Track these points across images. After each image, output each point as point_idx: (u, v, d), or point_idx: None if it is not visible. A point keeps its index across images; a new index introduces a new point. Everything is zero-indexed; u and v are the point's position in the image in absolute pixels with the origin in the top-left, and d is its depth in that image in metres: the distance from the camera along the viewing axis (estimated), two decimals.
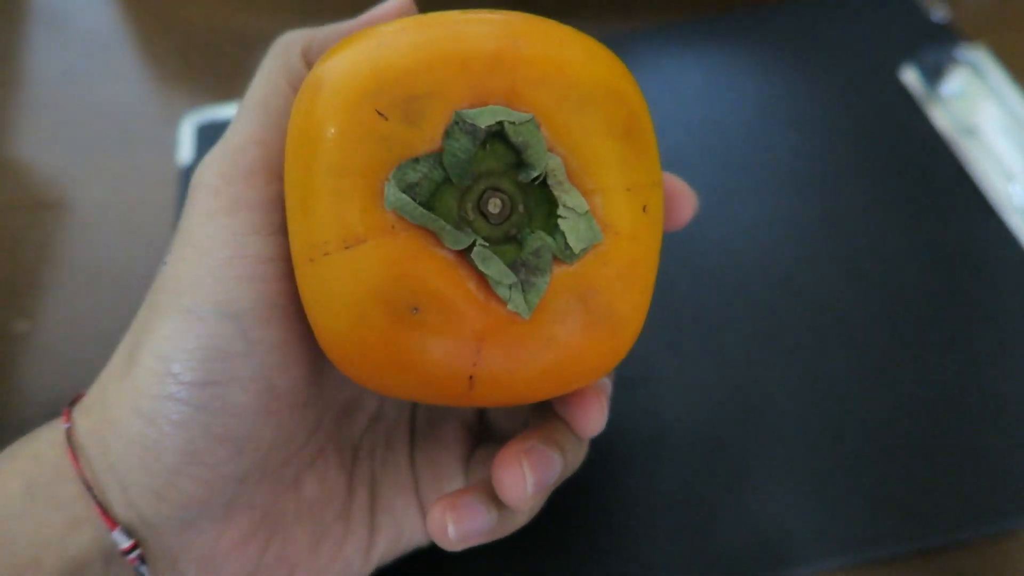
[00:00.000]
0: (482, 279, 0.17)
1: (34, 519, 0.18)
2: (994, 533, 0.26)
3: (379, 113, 0.16)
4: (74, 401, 0.20)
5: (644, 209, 0.18)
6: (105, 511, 0.18)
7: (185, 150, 0.39)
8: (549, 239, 0.17)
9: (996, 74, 0.38)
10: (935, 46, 0.40)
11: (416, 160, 0.16)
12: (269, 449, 0.20)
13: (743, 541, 0.26)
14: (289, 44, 0.20)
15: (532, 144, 0.17)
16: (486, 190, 0.17)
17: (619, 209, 0.17)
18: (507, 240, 0.17)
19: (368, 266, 0.16)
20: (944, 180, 0.35)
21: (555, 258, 0.17)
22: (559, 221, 0.17)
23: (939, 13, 0.41)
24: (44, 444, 0.19)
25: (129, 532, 0.19)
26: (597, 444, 0.28)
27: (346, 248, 0.16)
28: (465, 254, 0.17)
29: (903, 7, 0.42)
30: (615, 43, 0.42)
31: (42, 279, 0.35)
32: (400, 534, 0.23)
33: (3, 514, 0.18)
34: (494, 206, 0.17)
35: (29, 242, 0.37)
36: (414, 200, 0.16)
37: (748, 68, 0.40)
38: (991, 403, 0.29)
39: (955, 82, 0.38)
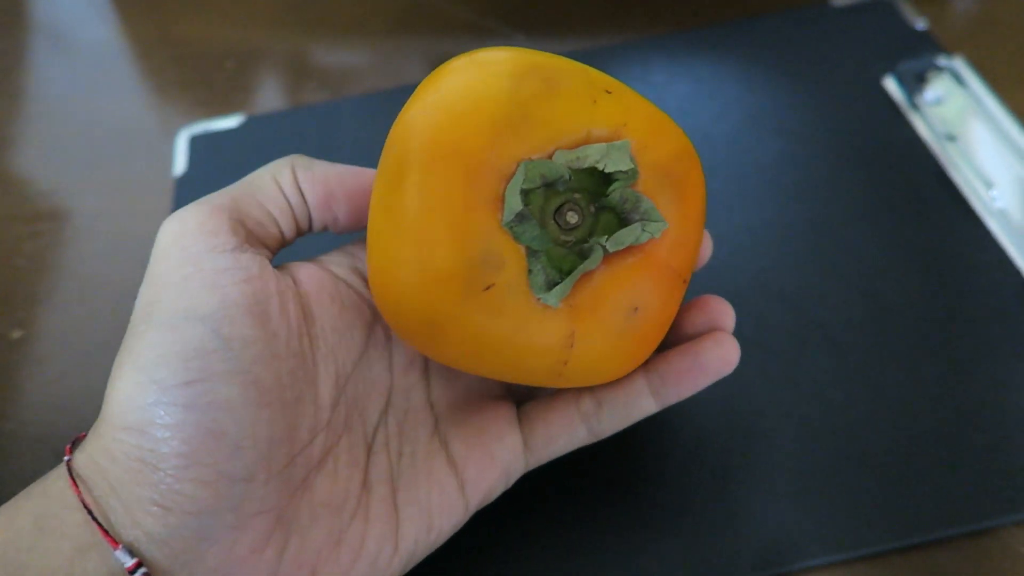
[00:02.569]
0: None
1: (43, 549, 0.19)
2: (973, 531, 0.27)
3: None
4: (75, 441, 0.21)
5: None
6: (107, 532, 0.19)
7: (180, 162, 0.40)
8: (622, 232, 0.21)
9: (975, 82, 0.39)
10: (916, 56, 0.40)
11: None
12: (269, 445, 0.20)
13: (723, 542, 0.27)
14: (288, 162, 0.24)
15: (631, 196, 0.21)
16: (566, 202, 0.21)
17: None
18: (569, 248, 0.21)
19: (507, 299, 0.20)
20: (925, 186, 0.36)
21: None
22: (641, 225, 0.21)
23: (921, 23, 0.42)
24: (51, 480, 0.20)
25: (135, 551, 0.19)
26: (581, 449, 0.29)
27: (485, 290, 0.20)
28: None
29: (885, 18, 0.43)
30: (604, 55, 0.43)
31: (37, 289, 0.36)
32: (430, 523, 0.23)
33: (14, 547, 0.19)
34: (572, 218, 0.21)
35: (25, 253, 0.37)
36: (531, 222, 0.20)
37: (733, 78, 0.41)
38: (970, 404, 0.29)
39: (936, 90, 0.39)
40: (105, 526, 0.19)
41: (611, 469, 0.29)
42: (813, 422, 0.29)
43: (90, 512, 0.19)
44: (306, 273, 0.23)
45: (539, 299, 0.20)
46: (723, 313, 0.25)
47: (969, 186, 0.35)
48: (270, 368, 0.20)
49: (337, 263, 0.25)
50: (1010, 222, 0.34)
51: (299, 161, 0.24)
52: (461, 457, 0.24)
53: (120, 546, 0.19)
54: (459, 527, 0.24)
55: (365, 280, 0.25)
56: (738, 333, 0.31)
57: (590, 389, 0.25)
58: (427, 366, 0.26)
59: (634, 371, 0.24)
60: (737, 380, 0.30)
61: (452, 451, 0.24)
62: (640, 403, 0.25)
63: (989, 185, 0.35)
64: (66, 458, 0.20)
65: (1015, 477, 0.27)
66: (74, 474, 0.20)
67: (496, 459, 0.24)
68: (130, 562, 0.19)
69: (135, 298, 0.21)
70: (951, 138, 0.37)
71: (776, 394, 0.30)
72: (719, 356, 0.24)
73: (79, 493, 0.19)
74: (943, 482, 0.28)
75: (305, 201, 0.24)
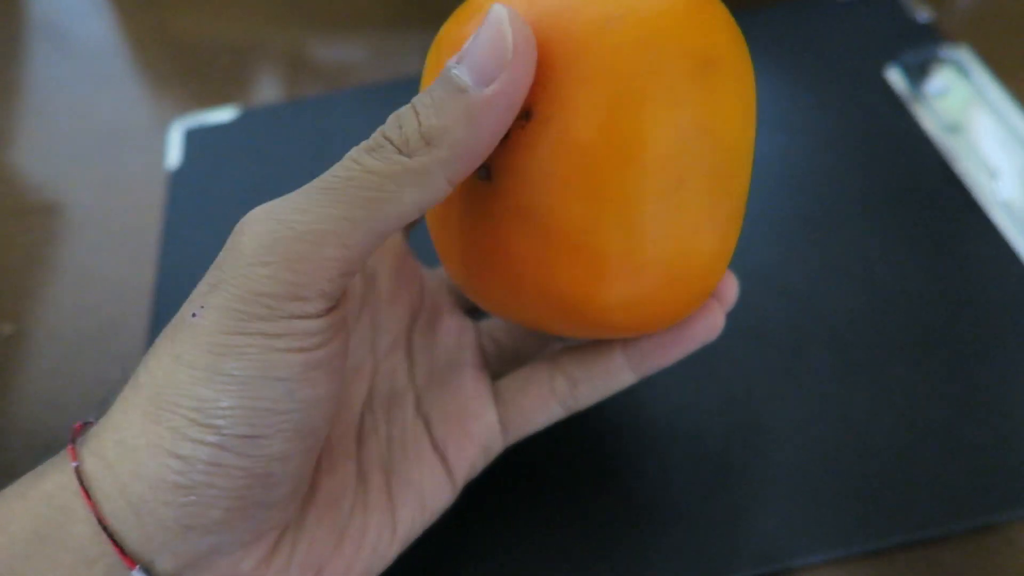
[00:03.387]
0: None
1: (41, 560, 0.18)
2: (976, 527, 0.26)
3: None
4: (74, 436, 0.20)
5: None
6: (124, 551, 0.18)
7: (174, 155, 0.39)
8: None
9: (980, 73, 0.38)
10: (919, 47, 0.40)
11: None
12: (301, 477, 0.20)
13: (723, 538, 0.26)
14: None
15: None
16: None
17: None
18: None
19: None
20: (929, 178, 0.35)
21: None
22: None
23: (923, 14, 0.41)
24: (52, 485, 0.18)
25: (149, 568, 0.18)
26: (576, 443, 0.29)
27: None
28: None
29: (888, 9, 0.42)
30: None
31: (29, 283, 0.36)
32: (423, 502, 0.23)
33: (8, 553, 0.18)
34: None
35: (17, 246, 0.37)
36: None
37: None
38: (974, 398, 0.29)
39: (939, 81, 0.38)
40: (119, 543, 0.18)
41: (607, 465, 0.28)
42: (814, 417, 0.29)
43: (107, 531, 0.18)
44: None
45: None
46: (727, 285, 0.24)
47: (973, 178, 0.35)
48: (327, 416, 0.19)
49: None
50: (1015, 214, 0.33)
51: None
52: (441, 438, 0.24)
53: (137, 567, 0.18)
54: (450, 504, 0.24)
55: None
56: (738, 327, 0.31)
57: (562, 366, 0.24)
58: (411, 342, 0.25)
59: (612, 344, 0.24)
60: (737, 374, 0.30)
61: (433, 431, 0.24)
62: (619, 377, 0.24)
63: (994, 176, 0.35)
64: (73, 463, 0.18)
65: (1020, 472, 0.27)
66: (85, 484, 0.18)
67: (474, 437, 0.24)
68: None
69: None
70: (955, 129, 0.36)
71: (777, 389, 0.30)
72: (706, 324, 0.23)
73: (94, 509, 0.18)
74: (946, 477, 0.27)
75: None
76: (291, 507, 0.20)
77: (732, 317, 0.31)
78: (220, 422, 0.17)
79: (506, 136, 0.18)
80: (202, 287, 0.18)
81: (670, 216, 0.19)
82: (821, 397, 0.29)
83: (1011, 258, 0.32)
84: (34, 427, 0.31)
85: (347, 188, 0.17)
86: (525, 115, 0.18)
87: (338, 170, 0.18)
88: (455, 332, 0.26)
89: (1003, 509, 0.26)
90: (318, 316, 0.18)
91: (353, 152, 0.18)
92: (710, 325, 0.23)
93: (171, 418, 0.18)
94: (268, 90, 0.43)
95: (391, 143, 0.17)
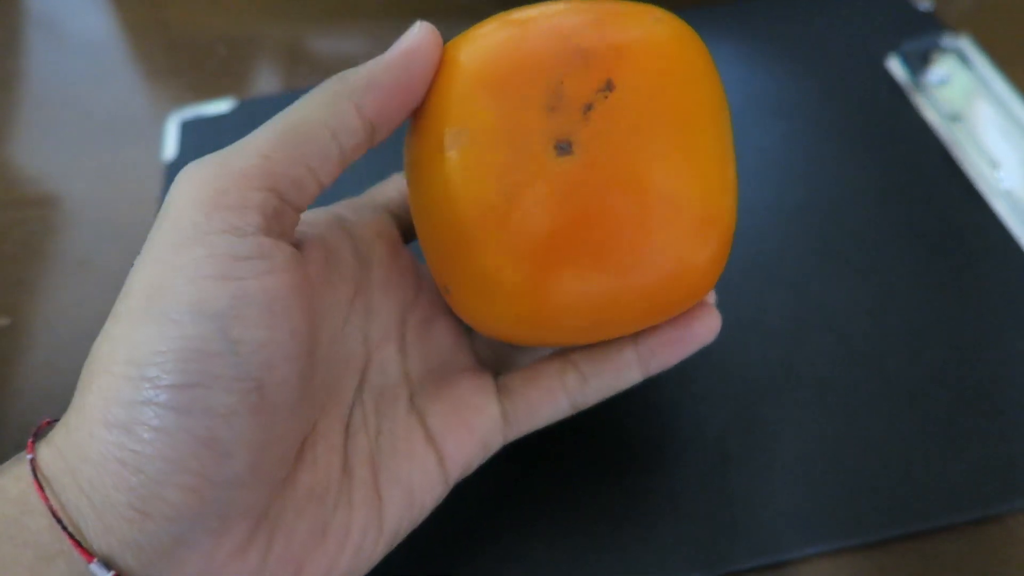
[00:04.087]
0: None
1: (0, 558, 0.17)
2: (975, 519, 0.26)
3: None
4: (38, 432, 0.19)
5: None
6: (79, 542, 0.17)
7: (171, 147, 0.39)
8: None
9: (981, 62, 0.38)
10: (921, 35, 0.39)
11: None
12: (261, 450, 0.18)
13: (720, 528, 0.26)
14: (337, 94, 0.20)
15: None
16: None
17: None
18: None
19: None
20: (930, 167, 0.35)
21: None
22: None
23: (925, 3, 0.41)
24: (8, 479, 0.18)
25: (108, 561, 0.17)
26: (574, 434, 0.28)
27: None
28: None
29: None
30: None
31: (25, 275, 0.35)
32: (412, 500, 0.22)
33: None
34: None
35: (13, 239, 0.37)
36: None
37: (735, 60, 0.40)
38: (974, 388, 0.29)
39: (941, 70, 0.38)
40: (75, 535, 0.17)
41: (606, 454, 0.28)
42: (813, 407, 0.29)
43: (61, 523, 0.17)
44: (309, 243, 0.22)
45: None
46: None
47: (975, 167, 0.34)
48: (276, 372, 0.18)
49: (321, 215, 0.24)
50: (1016, 203, 0.33)
51: (359, 93, 0.20)
52: (439, 431, 0.23)
53: (95, 560, 0.17)
54: (440, 501, 0.23)
55: (349, 231, 0.24)
56: (738, 316, 0.31)
57: (574, 362, 0.24)
58: (404, 337, 0.25)
59: (623, 342, 0.24)
60: (736, 365, 0.30)
61: (429, 425, 0.23)
62: (627, 375, 0.24)
63: (995, 166, 0.34)
64: (28, 456, 0.18)
65: (1019, 463, 0.27)
66: (40, 476, 0.18)
67: (474, 431, 0.24)
68: (106, 575, 0.17)
69: (124, 285, 0.19)
70: (956, 118, 0.36)
71: (776, 378, 0.29)
72: (707, 325, 0.24)
73: (47, 501, 0.17)
74: (946, 468, 0.27)
75: (374, 130, 0.20)
76: (260, 491, 0.19)
77: (731, 307, 0.31)
78: (153, 371, 0.17)
79: (589, 107, 0.19)
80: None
81: (732, 175, 0.21)
82: (820, 388, 0.29)
83: (1012, 248, 0.32)
84: (29, 419, 0.31)
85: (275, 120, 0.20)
86: (608, 86, 0.19)
87: None
88: (452, 333, 0.26)
89: (1002, 500, 0.26)
90: (247, 235, 0.18)
91: None
92: (710, 326, 0.24)
93: (103, 380, 0.17)
94: (265, 82, 0.43)
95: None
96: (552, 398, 0.24)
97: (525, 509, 0.27)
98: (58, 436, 0.18)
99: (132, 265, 0.19)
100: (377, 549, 0.22)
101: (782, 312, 0.31)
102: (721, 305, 0.31)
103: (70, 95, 0.43)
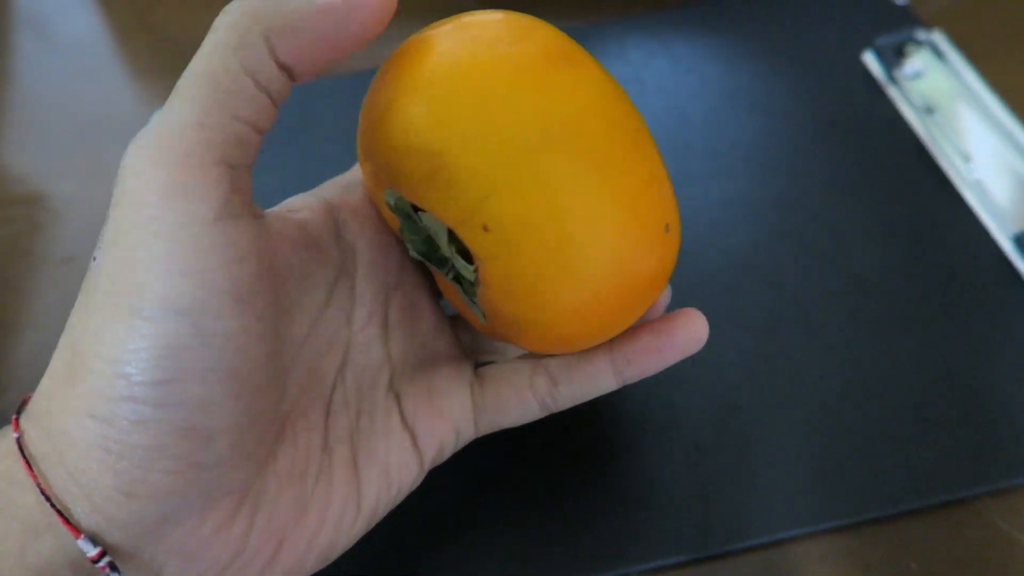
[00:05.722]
0: None
1: None
2: (947, 502, 0.27)
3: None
4: (21, 407, 0.19)
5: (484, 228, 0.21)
6: (68, 520, 0.18)
7: None
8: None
9: (954, 56, 0.38)
10: (896, 30, 0.40)
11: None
12: (240, 432, 0.19)
13: (695, 515, 0.27)
14: (250, 24, 0.18)
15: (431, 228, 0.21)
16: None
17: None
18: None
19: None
20: (903, 159, 0.36)
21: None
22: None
23: None
24: None
25: (95, 538, 0.18)
26: (551, 424, 0.29)
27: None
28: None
29: None
30: (580, 35, 0.42)
31: (10, 274, 0.36)
32: (389, 480, 0.23)
33: None
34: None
35: None
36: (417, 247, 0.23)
37: (711, 56, 0.41)
38: (944, 376, 0.29)
39: (915, 64, 0.38)
40: (63, 512, 0.18)
41: (581, 442, 0.28)
42: (787, 396, 0.29)
43: (50, 500, 0.18)
44: (277, 220, 0.22)
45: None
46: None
47: (947, 159, 0.35)
48: (248, 357, 0.19)
49: (308, 200, 0.23)
50: (987, 194, 0.34)
51: (275, 27, 0.18)
52: (411, 414, 0.24)
53: (82, 535, 0.18)
54: (416, 484, 0.24)
55: (334, 214, 0.24)
56: (714, 308, 0.31)
57: (545, 365, 0.24)
58: (387, 318, 0.25)
59: (597, 348, 0.24)
60: (712, 354, 0.30)
61: (404, 407, 0.24)
62: (600, 382, 0.24)
63: (966, 158, 0.35)
64: (15, 435, 0.18)
65: (989, 447, 0.27)
66: (27, 454, 0.18)
67: (445, 415, 0.24)
68: (93, 551, 0.18)
69: (90, 274, 0.20)
70: (929, 111, 0.37)
71: (750, 368, 0.30)
72: (691, 332, 0.23)
73: (35, 478, 0.18)
74: (917, 453, 0.27)
75: (291, 74, 0.19)
76: (243, 469, 0.20)
77: (707, 299, 0.32)
78: (129, 368, 0.17)
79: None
80: (104, 231, 0.18)
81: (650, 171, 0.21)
82: (794, 377, 0.30)
83: (983, 238, 0.33)
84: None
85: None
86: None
87: None
88: (434, 318, 0.26)
89: (971, 484, 0.27)
90: (208, 222, 0.17)
91: None
92: (694, 333, 0.23)
93: (86, 376, 0.18)
94: None
95: None
96: (521, 398, 0.24)
97: (500, 498, 0.28)
98: (43, 419, 0.18)
99: (105, 225, 0.18)
100: (356, 526, 0.22)
101: (757, 303, 0.32)
102: (696, 297, 0.32)
103: (57, 94, 0.44)
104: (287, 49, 0.18)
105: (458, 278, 0.22)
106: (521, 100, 0.19)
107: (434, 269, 0.23)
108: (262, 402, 0.20)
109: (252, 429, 0.19)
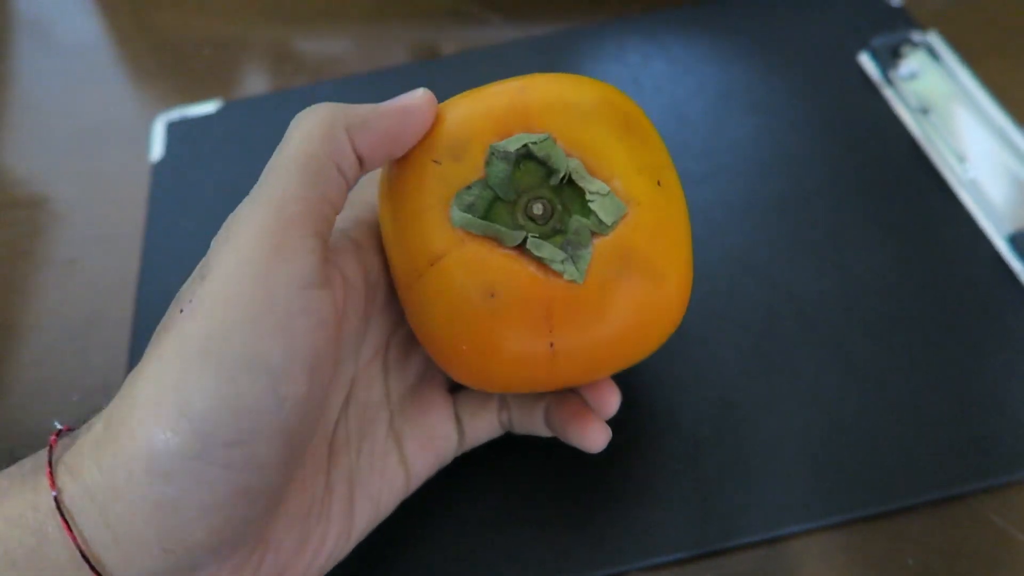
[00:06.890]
0: (541, 264, 0.21)
1: None
2: (942, 498, 0.27)
3: (433, 161, 0.22)
4: (51, 451, 0.19)
5: (658, 183, 0.22)
6: (99, 574, 0.18)
7: (157, 148, 0.40)
8: (585, 220, 0.21)
9: (950, 57, 0.39)
10: (892, 31, 0.40)
11: (468, 187, 0.21)
12: (283, 491, 0.20)
13: (693, 512, 0.27)
14: (334, 120, 0.21)
15: (552, 154, 0.21)
16: (529, 200, 0.21)
17: (635, 186, 0.21)
18: (555, 233, 0.21)
19: (448, 272, 0.21)
20: (899, 160, 0.36)
21: (594, 233, 0.21)
22: (590, 204, 0.21)
23: (895, 0, 0.42)
24: (23, 506, 0.18)
25: None
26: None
27: (431, 265, 0.21)
28: (523, 248, 0.21)
29: None
30: (579, 37, 0.43)
31: (12, 276, 0.36)
32: (377, 509, 0.25)
33: None
34: (537, 209, 0.21)
35: (1, 239, 0.37)
36: (474, 216, 0.21)
37: (708, 56, 0.41)
38: (940, 374, 0.29)
39: (911, 65, 0.39)
40: (96, 567, 0.18)
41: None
42: (784, 394, 0.29)
43: (86, 558, 0.18)
44: (333, 277, 0.22)
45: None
46: (608, 403, 0.25)
47: (942, 159, 0.35)
48: (307, 421, 0.19)
49: (338, 241, 0.24)
50: (982, 194, 0.34)
51: (353, 124, 0.21)
52: (411, 454, 0.25)
53: None
54: (396, 506, 0.26)
55: (363, 260, 0.24)
56: (711, 306, 0.32)
57: (507, 406, 0.27)
58: (387, 355, 0.26)
59: (540, 400, 0.26)
60: (709, 353, 0.30)
61: (404, 448, 0.25)
62: (541, 430, 0.26)
63: (962, 158, 0.35)
64: (52, 492, 0.18)
65: (984, 444, 0.28)
66: (64, 511, 0.18)
67: (437, 452, 0.26)
68: None
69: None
70: (925, 112, 0.37)
71: (748, 367, 0.30)
72: (592, 434, 0.25)
73: (75, 539, 0.18)
74: (913, 450, 0.28)
75: (363, 163, 0.22)
76: (269, 521, 0.21)
77: (704, 297, 0.32)
78: (206, 426, 0.17)
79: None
80: (192, 280, 0.19)
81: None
82: (791, 375, 0.30)
83: (977, 237, 0.33)
84: (16, 417, 0.31)
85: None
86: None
87: None
88: (425, 355, 0.27)
89: (965, 481, 0.27)
90: (302, 287, 0.19)
91: None
92: (594, 438, 0.25)
93: (151, 429, 0.17)
94: (251, 84, 0.44)
95: None
96: (490, 427, 0.27)
97: (498, 496, 0.28)
98: (88, 471, 0.18)
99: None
100: (345, 551, 0.24)
101: (754, 301, 0.32)
102: (693, 296, 0.32)
103: (57, 97, 0.44)
104: (362, 142, 0.21)
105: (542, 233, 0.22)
106: None
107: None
108: (302, 459, 0.21)
109: (285, 487, 0.20)
